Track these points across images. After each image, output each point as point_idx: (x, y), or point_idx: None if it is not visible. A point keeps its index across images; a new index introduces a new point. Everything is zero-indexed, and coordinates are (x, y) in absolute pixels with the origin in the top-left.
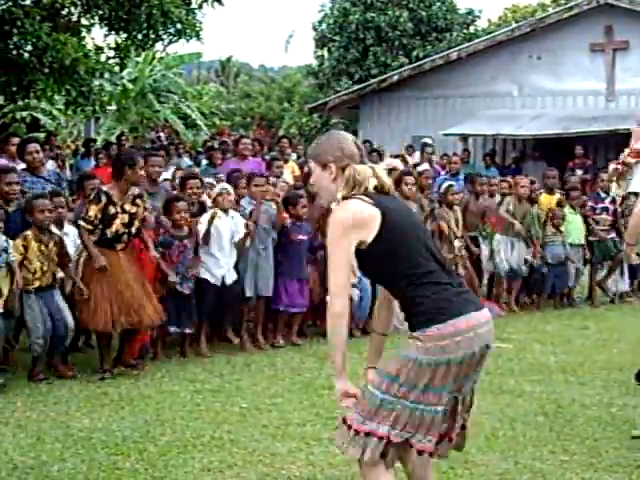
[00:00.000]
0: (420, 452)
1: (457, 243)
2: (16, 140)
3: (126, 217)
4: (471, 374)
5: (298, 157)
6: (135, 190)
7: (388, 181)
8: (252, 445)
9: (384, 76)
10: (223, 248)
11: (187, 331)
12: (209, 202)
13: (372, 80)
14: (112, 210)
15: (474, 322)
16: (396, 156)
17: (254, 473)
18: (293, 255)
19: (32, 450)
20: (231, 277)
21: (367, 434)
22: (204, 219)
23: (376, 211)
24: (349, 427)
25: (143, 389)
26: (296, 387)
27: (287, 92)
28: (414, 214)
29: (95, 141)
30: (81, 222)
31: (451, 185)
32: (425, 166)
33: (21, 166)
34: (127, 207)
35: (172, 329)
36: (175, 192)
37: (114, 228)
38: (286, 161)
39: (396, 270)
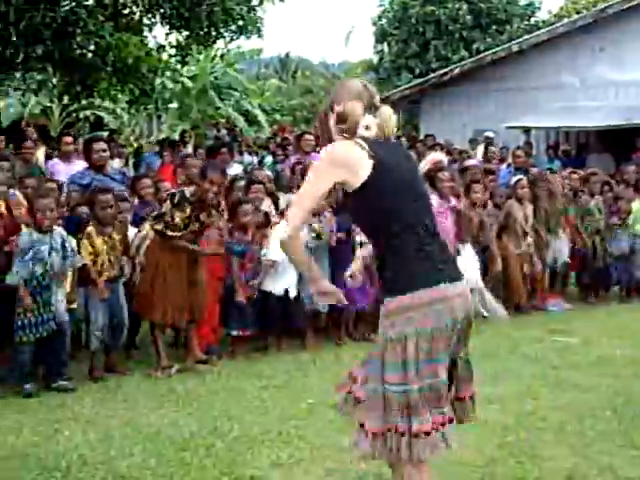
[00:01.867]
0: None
1: (528, 239)
2: (69, 139)
3: (197, 226)
4: (449, 349)
5: None
6: (214, 201)
7: (390, 125)
8: (319, 440)
9: (445, 70)
10: (285, 264)
11: (249, 333)
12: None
13: (433, 74)
14: (193, 220)
15: (442, 294)
16: (460, 152)
17: (321, 468)
18: (349, 252)
19: (101, 446)
20: (295, 290)
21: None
22: (275, 249)
23: (367, 159)
24: (397, 431)
25: (210, 385)
26: None
27: None
28: (415, 170)
29: (168, 140)
30: (169, 232)
31: (521, 179)
32: (473, 161)
33: (76, 164)
34: (202, 217)
35: (234, 333)
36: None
37: (182, 233)
38: None
39: (379, 225)
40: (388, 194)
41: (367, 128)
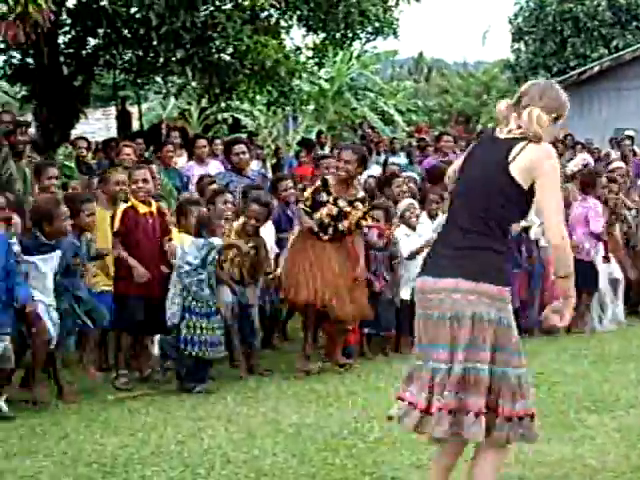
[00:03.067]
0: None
1: None
2: (203, 142)
3: (335, 210)
4: (439, 342)
5: None
6: (360, 193)
7: (527, 125)
8: None
9: (584, 68)
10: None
11: (388, 334)
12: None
13: (571, 72)
14: (324, 197)
15: (425, 285)
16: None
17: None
18: None
19: (244, 444)
20: None
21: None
22: (407, 244)
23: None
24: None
25: (350, 386)
26: None
27: (485, 87)
28: (491, 169)
29: (311, 141)
30: (299, 205)
31: None
32: (618, 163)
33: (210, 166)
34: (341, 203)
35: (366, 330)
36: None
37: (319, 215)
38: None
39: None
40: (453, 188)
41: (507, 126)
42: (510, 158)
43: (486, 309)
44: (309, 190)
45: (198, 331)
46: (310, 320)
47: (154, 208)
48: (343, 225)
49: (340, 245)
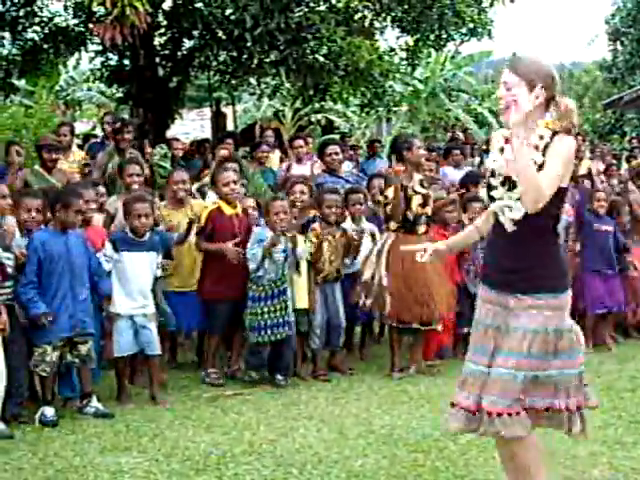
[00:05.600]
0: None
1: None
2: (300, 142)
3: (420, 198)
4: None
5: (592, 152)
6: (419, 175)
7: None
8: (553, 447)
9: None
10: None
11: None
12: None
13: None
14: (406, 192)
15: None
16: None
17: (555, 475)
18: (595, 248)
19: (335, 445)
20: None
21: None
22: None
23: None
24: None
25: (442, 388)
26: (597, 389)
27: (584, 88)
28: None
29: (380, 142)
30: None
31: None
32: None
33: (307, 166)
34: (417, 188)
35: (465, 330)
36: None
37: (414, 208)
38: (581, 159)
39: (554, 226)
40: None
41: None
42: None
43: None
44: (389, 189)
45: (260, 317)
46: (401, 335)
47: (239, 209)
48: (430, 208)
49: (431, 237)
